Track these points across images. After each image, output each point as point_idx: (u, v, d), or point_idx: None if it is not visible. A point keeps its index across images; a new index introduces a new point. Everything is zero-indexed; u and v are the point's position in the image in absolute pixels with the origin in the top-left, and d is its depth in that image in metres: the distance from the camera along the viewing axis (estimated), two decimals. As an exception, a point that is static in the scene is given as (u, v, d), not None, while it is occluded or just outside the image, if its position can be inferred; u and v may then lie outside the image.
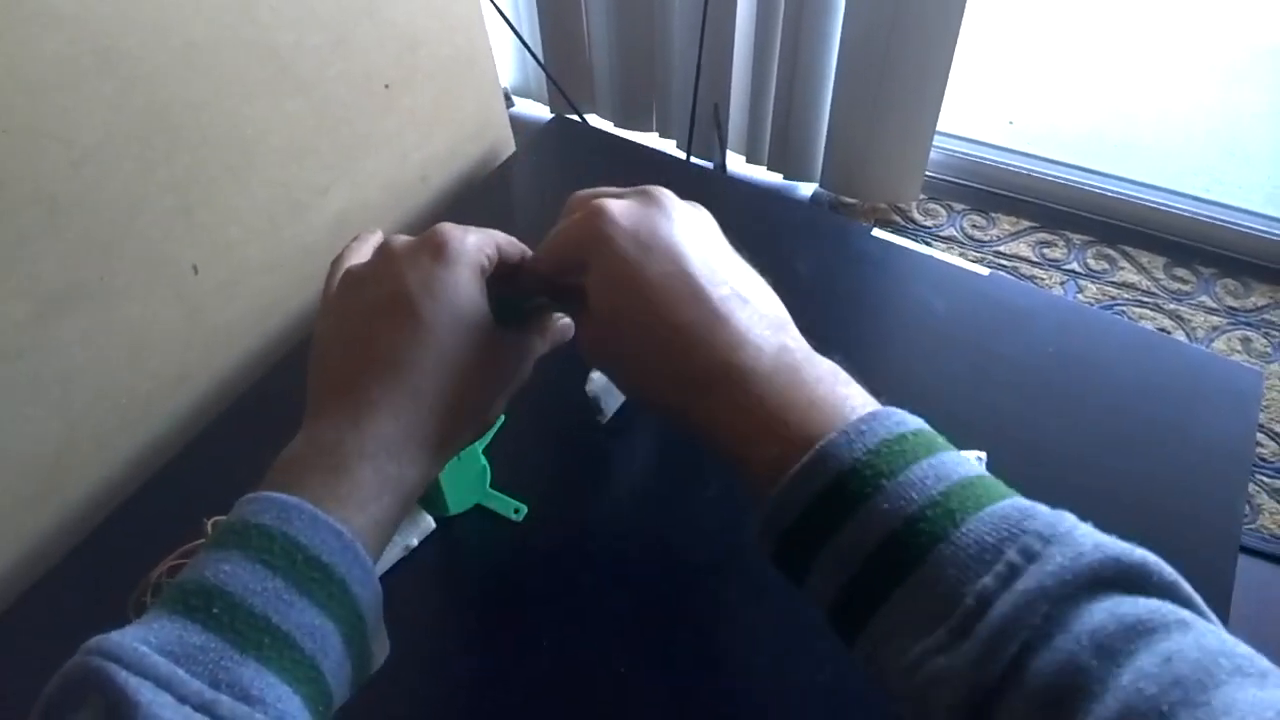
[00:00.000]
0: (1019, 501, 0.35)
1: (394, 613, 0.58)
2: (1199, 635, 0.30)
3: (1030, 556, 0.32)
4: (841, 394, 0.38)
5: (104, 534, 0.64)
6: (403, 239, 0.45)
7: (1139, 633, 0.30)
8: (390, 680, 0.55)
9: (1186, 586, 0.33)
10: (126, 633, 0.32)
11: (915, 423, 0.38)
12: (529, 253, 0.48)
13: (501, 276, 0.47)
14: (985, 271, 0.79)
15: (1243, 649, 0.30)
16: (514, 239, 0.48)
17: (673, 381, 0.41)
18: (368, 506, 0.38)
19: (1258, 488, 1.43)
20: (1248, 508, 1.40)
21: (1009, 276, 1.71)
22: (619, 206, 0.42)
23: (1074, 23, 2.54)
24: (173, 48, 0.61)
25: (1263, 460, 1.46)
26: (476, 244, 0.44)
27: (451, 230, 0.44)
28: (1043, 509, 0.34)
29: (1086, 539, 0.33)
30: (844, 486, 0.35)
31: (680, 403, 0.41)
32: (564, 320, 0.50)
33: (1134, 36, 2.48)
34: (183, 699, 0.30)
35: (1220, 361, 0.73)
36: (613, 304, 0.41)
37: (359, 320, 0.43)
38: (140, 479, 0.67)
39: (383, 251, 0.45)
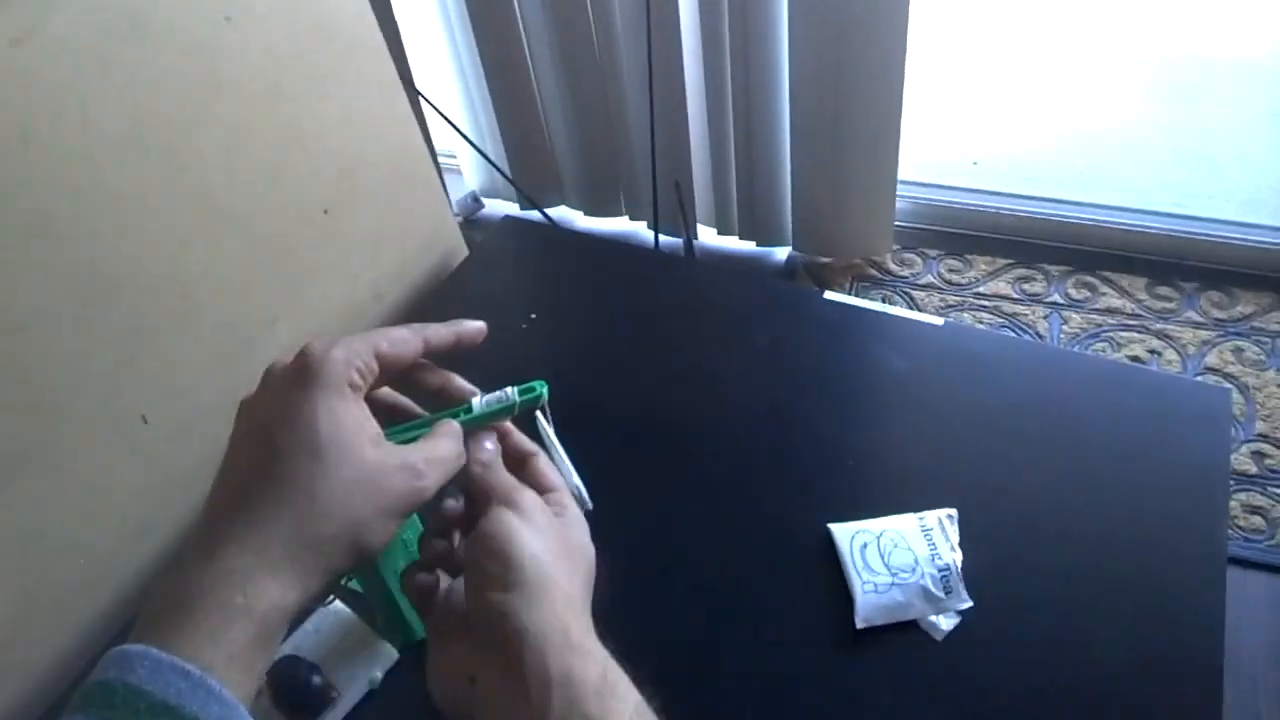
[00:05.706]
0: None
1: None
2: None
3: None
4: None
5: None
6: (284, 363, 0.44)
7: None
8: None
9: None
10: None
11: None
12: (434, 336, 0.47)
13: (395, 378, 0.46)
14: (940, 321, 0.78)
15: None
16: (408, 331, 0.46)
17: None
18: (218, 640, 0.36)
19: (1272, 502, 1.39)
20: (1265, 523, 1.37)
21: (964, 324, 1.70)
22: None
23: (1026, 56, 2.59)
24: (101, 203, 0.62)
25: (1273, 471, 1.43)
26: (343, 358, 0.42)
27: (313, 350, 0.43)
28: None
29: None
30: None
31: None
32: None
33: (1088, 62, 2.53)
34: None
35: (1187, 383, 0.72)
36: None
37: (230, 455, 0.43)
38: (106, 637, 0.66)
39: (262, 378, 0.44)
